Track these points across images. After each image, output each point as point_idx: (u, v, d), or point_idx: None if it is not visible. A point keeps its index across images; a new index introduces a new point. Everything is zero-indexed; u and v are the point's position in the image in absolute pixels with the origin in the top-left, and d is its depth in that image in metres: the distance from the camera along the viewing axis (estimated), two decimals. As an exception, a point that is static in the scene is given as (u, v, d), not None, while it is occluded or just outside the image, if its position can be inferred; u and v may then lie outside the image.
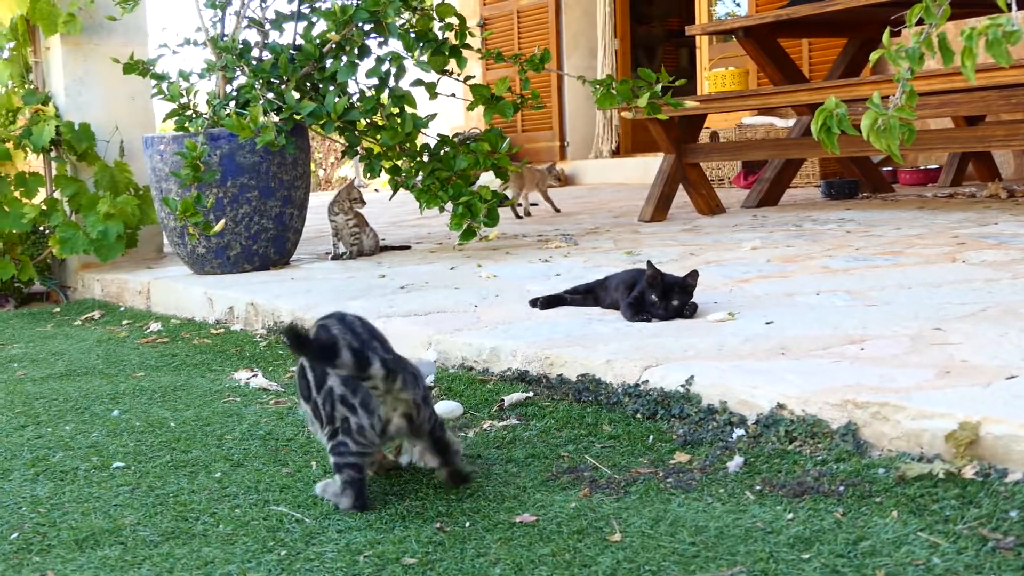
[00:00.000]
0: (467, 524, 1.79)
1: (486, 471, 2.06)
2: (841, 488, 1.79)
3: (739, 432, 2.09)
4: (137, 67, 4.86)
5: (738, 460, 1.97)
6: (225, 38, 4.82)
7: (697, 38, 9.85)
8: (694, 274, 2.97)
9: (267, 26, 4.91)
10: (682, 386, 2.29)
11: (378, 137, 4.78)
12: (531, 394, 2.55)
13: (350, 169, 15.31)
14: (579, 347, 2.67)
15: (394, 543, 1.72)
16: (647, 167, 9.62)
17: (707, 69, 9.46)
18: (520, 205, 6.78)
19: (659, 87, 4.49)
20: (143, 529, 1.85)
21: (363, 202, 5.01)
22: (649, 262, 3.01)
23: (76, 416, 2.71)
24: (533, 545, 1.68)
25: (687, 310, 2.94)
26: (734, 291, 3.33)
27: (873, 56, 2.29)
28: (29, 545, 1.80)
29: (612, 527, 1.73)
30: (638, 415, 2.29)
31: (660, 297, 2.91)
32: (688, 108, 5.19)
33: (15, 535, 1.85)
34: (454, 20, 4.75)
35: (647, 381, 2.38)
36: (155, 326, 4.12)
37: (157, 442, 2.42)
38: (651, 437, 2.17)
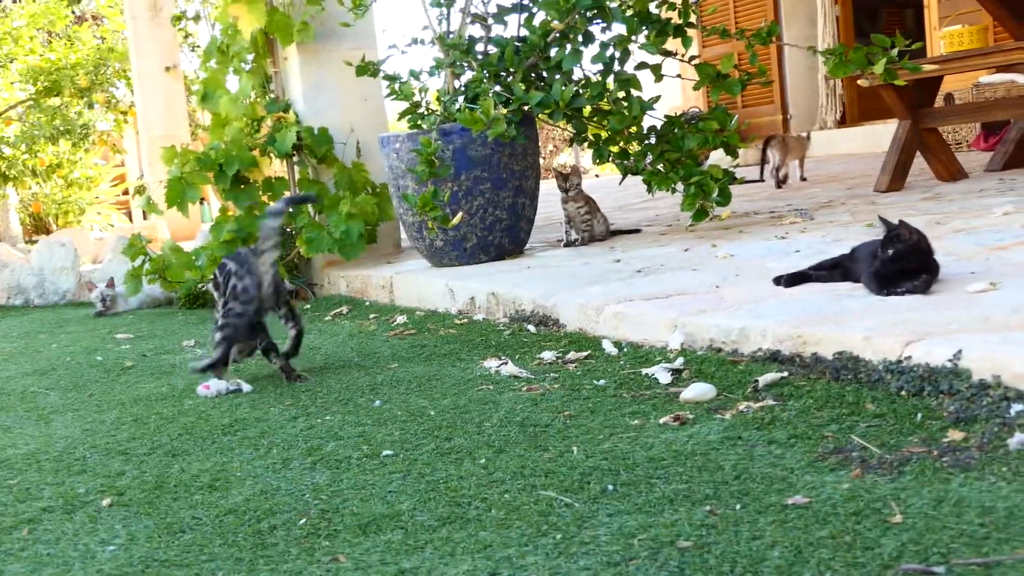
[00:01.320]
0: (737, 506, 1.77)
1: (749, 453, 2.04)
2: None
3: (1018, 407, 1.98)
4: (368, 69, 5.04)
5: (1019, 437, 1.87)
6: (451, 35, 4.93)
7: (925, -3, 9.42)
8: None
9: (490, 20, 4.99)
10: (949, 361, 2.20)
11: (605, 122, 4.80)
12: (785, 374, 2.50)
13: (568, 156, 15.41)
14: (832, 324, 2.60)
15: (666, 526, 1.72)
16: (876, 135, 9.28)
17: (937, 28, 9.02)
18: (778, 172, 6.91)
19: (895, 52, 4.32)
20: (420, 514, 1.92)
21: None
22: (902, 221, 2.90)
23: (341, 407, 2.83)
24: (809, 527, 1.65)
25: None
26: (991, 259, 3.17)
27: None
28: (317, 530, 1.90)
29: (891, 509, 1.68)
30: (902, 392, 2.22)
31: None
32: (926, 71, 4.97)
33: (303, 521, 1.95)
34: (676, -1, 4.71)
35: (910, 357, 2.29)
36: (401, 319, 4.26)
37: (420, 430, 2.50)
38: (919, 415, 2.09)
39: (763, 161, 7.16)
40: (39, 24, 11.84)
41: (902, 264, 2.84)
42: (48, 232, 12.80)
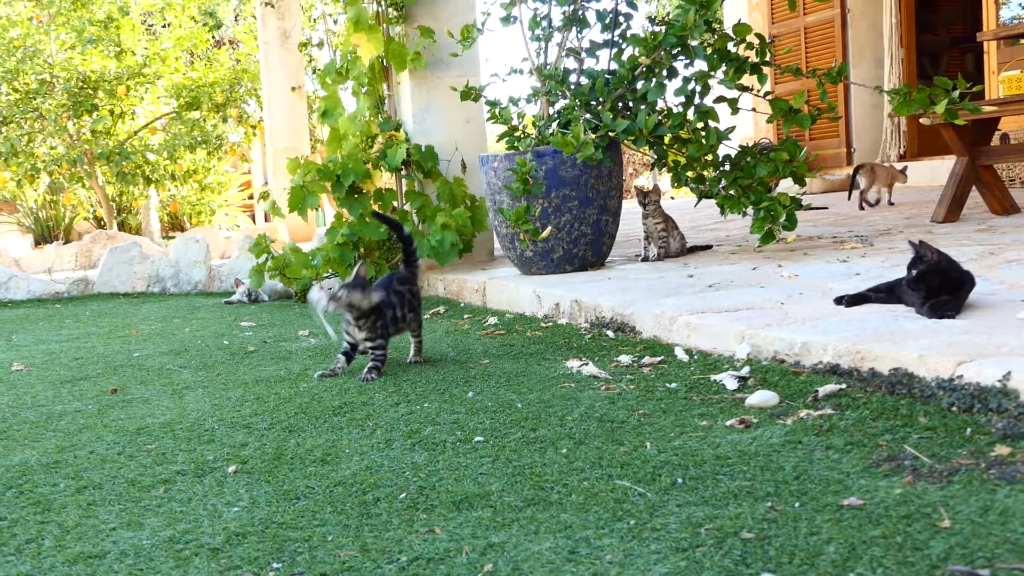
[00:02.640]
0: (796, 504, 1.76)
1: (808, 456, 2.02)
2: None
3: (1063, 427, 1.94)
4: (472, 94, 5.09)
5: (1064, 454, 1.83)
6: (548, 66, 4.95)
7: (985, 43, 9.20)
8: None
9: (583, 54, 5.00)
10: (999, 381, 2.15)
11: (684, 150, 4.78)
12: (843, 386, 2.47)
13: (646, 179, 15.34)
14: (889, 342, 2.56)
15: (730, 518, 1.72)
16: (935, 170, 9.09)
17: (996, 73, 8.81)
18: (865, 196, 7.15)
19: (956, 93, 4.23)
20: (507, 495, 1.94)
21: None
22: (922, 241, 2.86)
23: (438, 396, 2.87)
24: (863, 527, 1.63)
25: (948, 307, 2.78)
26: (1041, 289, 3.09)
27: None
28: (416, 504, 1.93)
29: (940, 514, 1.65)
30: (953, 408, 2.18)
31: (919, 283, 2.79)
32: (984, 112, 4.86)
33: (403, 495, 1.98)
34: (754, 39, 4.67)
35: (961, 376, 2.25)
36: (492, 320, 4.29)
37: (508, 420, 2.52)
38: (968, 430, 2.05)
39: (852, 186, 7.25)
40: (183, 46, 12.16)
41: (926, 283, 2.82)
42: (183, 230, 13.14)
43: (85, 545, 1.83)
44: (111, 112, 11.54)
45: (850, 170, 10.50)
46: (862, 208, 7.03)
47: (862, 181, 7.12)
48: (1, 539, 1.89)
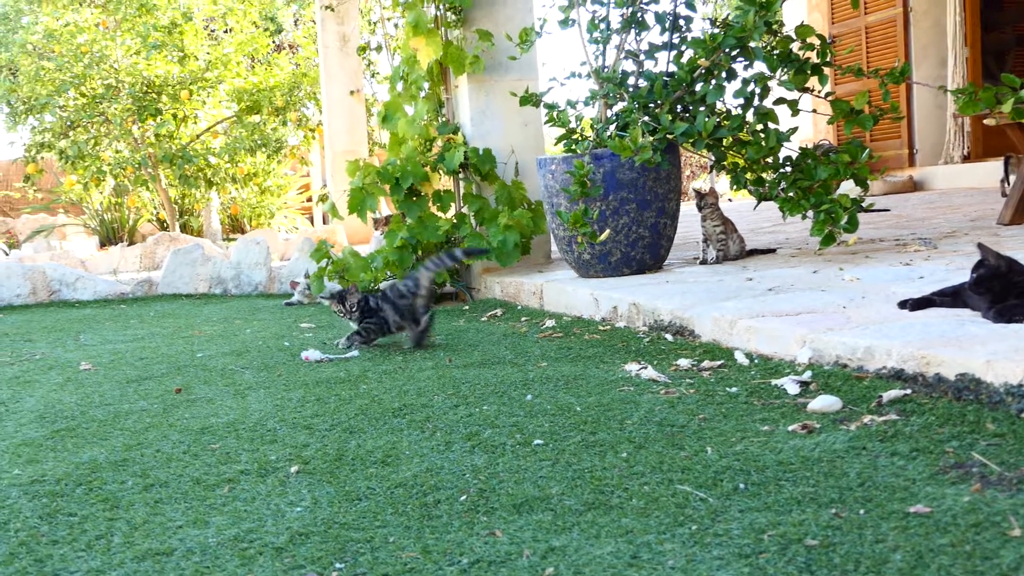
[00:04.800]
0: (861, 511, 1.74)
1: (872, 462, 1.99)
2: None
3: None
4: (531, 99, 5.09)
5: None
6: (606, 69, 4.94)
7: (1053, 42, 9.00)
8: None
9: (642, 56, 4.98)
10: (1070, 388, 2.11)
11: (743, 152, 4.74)
12: (908, 391, 2.43)
13: (704, 182, 15.24)
14: (955, 347, 2.52)
15: (794, 525, 1.70)
16: (1000, 172, 8.90)
17: (1064, 72, 8.61)
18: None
19: (1024, 93, 4.14)
20: (567, 499, 1.94)
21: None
22: (984, 245, 2.82)
23: (497, 399, 2.87)
24: (930, 535, 1.61)
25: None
26: (1113, 294, 3.01)
27: None
28: (476, 507, 1.94)
29: (1010, 523, 1.62)
30: (1022, 415, 2.13)
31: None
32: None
33: (463, 497, 1.99)
34: (815, 40, 4.62)
35: (1031, 382, 2.20)
36: (549, 323, 4.29)
37: (567, 424, 2.52)
38: (1039, 437, 2.01)
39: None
40: (244, 51, 12.33)
41: (987, 287, 2.77)
42: (243, 232, 13.31)
43: (153, 542, 1.86)
44: (174, 116, 11.75)
45: (912, 171, 10.36)
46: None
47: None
48: (72, 535, 1.93)
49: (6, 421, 3.04)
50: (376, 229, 7.31)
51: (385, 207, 9.02)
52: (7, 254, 10.51)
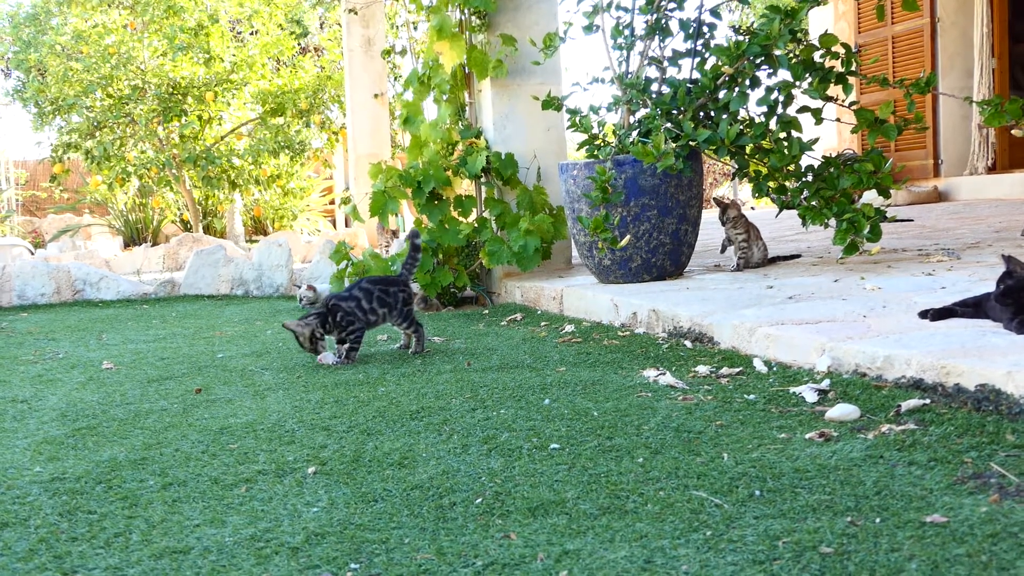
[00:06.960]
0: (877, 520, 1.73)
1: (889, 471, 1.99)
2: None
3: None
4: (553, 103, 5.10)
5: None
6: (630, 75, 4.94)
7: (1081, 52, 8.94)
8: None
9: (665, 63, 4.98)
10: (1091, 400, 2.09)
11: (766, 160, 4.73)
12: (927, 401, 2.42)
13: (726, 189, 15.21)
14: (975, 358, 2.51)
15: (809, 532, 1.70)
16: (1026, 182, 8.85)
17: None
18: None
19: (1050, 104, 4.12)
20: (583, 503, 1.94)
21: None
22: (1011, 256, 2.80)
23: (514, 403, 2.88)
24: (946, 545, 1.60)
25: None
26: None
27: None
28: (492, 509, 1.94)
29: (1027, 534, 1.61)
30: (1043, 427, 2.12)
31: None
32: (1080, 123, 4.71)
33: (479, 500, 2.00)
34: (840, 49, 4.60)
35: (1052, 394, 2.19)
36: (569, 328, 4.29)
37: (584, 428, 2.52)
38: (1058, 449, 2.00)
39: None
40: (269, 53, 12.41)
41: (1013, 299, 2.75)
42: (265, 233, 13.39)
43: (170, 540, 1.88)
44: (199, 117, 11.83)
45: (937, 182, 10.30)
46: None
47: None
48: (91, 532, 1.95)
49: (28, 419, 3.08)
50: (381, 237, 7.37)
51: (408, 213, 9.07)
52: (32, 253, 10.61)
